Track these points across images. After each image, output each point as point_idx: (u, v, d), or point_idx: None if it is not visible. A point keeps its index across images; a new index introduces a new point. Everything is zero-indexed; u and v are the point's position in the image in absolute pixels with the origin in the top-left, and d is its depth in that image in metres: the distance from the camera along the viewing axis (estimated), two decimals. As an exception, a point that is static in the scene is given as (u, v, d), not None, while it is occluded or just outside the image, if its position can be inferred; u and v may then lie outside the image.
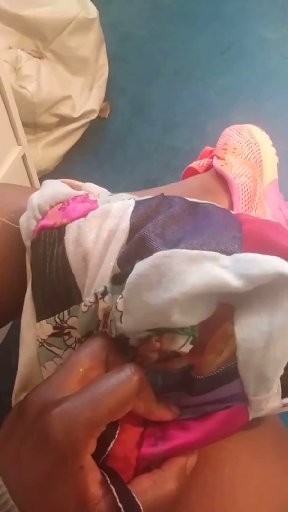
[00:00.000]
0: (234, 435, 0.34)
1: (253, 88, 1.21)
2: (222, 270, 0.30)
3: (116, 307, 0.32)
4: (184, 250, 0.31)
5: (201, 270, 0.30)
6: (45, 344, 0.38)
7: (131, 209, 0.37)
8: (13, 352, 0.83)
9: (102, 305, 0.34)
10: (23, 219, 0.40)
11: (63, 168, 1.13)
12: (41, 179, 1.02)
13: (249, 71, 1.25)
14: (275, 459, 0.38)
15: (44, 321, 0.38)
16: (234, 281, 0.29)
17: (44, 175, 1.09)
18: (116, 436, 0.31)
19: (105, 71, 1.21)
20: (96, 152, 1.16)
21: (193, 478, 0.33)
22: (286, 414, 0.37)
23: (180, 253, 0.31)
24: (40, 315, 0.38)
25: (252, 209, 0.55)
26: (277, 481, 0.36)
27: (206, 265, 0.30)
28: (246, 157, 0.60)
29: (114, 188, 0.44)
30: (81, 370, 0.31)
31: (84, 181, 0.45)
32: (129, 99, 1.23)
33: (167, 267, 0.30)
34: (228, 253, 0.32)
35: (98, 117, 1.18)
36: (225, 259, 0.31)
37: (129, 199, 0.39)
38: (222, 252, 0.32)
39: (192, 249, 0.31)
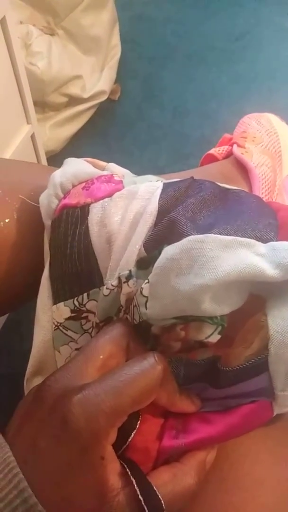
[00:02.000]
0: (254, 431, 0.33)
1: (267, 77, 1.19)
2: (258, 258, 0.29)
3: (141, 292, 0.31)
4: (218, 236, 0.30)
5: (235, 257, 0.29)
6: (61, 328, 0.37)
7: (159, 191, 0.35)
8: (18, 333, 0.82)
9: (125, 289, 0.33)
10: (43, 197, 0.39)
11: (71, 150, 1.11)
12: (48, 160, 1.00)
13: (263, 59, 1.22)
14: None
15: (61, 304, 0.36)
16: (270, 270, 0.28)
17: (51, 156, 1.07)
18: (137, 427, 0.30)
19: (117, 52, 1.19)
20: (104, 135, 1.14)
21: (211, 473, 0.32)
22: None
23: (214, 238, 0.29)
24: (58, 298, 0.37)
25: (272, 199, 0.54)
26: None
27: (241, 252, 0.29)
28: (266, 147, 0.58)
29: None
30: (101, 357, 0.30)
31: (92, 164, 0.44)
32: (140, 82, 1.21)
33: (199, 252, 0.29)
34: (264, 240, 0.30)
35: (108, 99, 1.15)
36: (261, 246, 0.29)
37: (156, 180, 0.38)
38: (258, 239, 0.30)
39: (226, 234, 0.30)
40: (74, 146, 1.11)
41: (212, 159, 0.59)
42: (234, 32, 1.28)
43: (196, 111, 1.16)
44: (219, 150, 0.59)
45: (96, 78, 1.13)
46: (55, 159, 1.07)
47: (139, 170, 1.09)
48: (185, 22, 1.31)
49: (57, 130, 1.08)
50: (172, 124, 1.14)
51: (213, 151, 0.59)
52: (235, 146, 0.57)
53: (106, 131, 1.14)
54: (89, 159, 0.42)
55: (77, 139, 1.12)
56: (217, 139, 0.67)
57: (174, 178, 0.41)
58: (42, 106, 1.05)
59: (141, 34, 1.29)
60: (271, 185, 0.54)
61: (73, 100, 1.09)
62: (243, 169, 0.55)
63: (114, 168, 0.41)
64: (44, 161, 0.93)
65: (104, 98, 1.14)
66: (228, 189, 0.37)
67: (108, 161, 0.45)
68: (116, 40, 1.19)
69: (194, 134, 1.11)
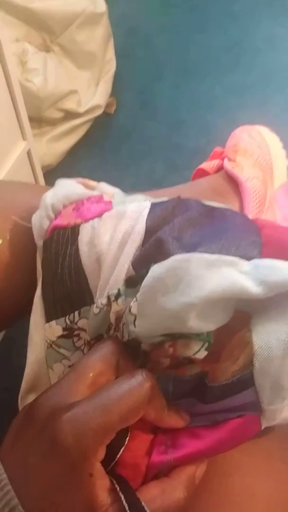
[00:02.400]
0: (244, 444, 0.33)
1: (261, 86, 1.20)
2: (241, 276, 0.29)
3: (129, 311, 0.32)
4: (203, 254, 0.30)
5: (220, 275, 0.29)
6: (53, 346, 0.37)
7: (146, 211, 0.36)
8: (13, 349, 0.83)
9: (115, 307, 0.34)
10: (35, 218, 0.40)
11: (68, 164, 1.12)
12: (45, 174, 1.01)
13: (257, 68, 1.24)
14: (284, 468, 0.37)
15: (53, 322, 0.37)
16: (253, 288, 0.29)
17: (48, 170, 1.08)
18: (126, 443, 0.31)
19: (112, 66, 1.20)
20: (101, 148, 1.15)
21: (201, 486, 0.33)
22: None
23: (199, 257, 0.30)
24: (50, 316, 0.37)
25: (263, 212, 0.54)
26: (285, 490, 0.36)
27: (225, 270, 0.30)
28: (256, 160, 0.59)
29: (119, 185, 0.43)
30: (91, 374, 0.30)
31: (88, 177, 0.44)
32: (136, 95, 1.22)
33: (184, 271, 0.30)
34: (248, 258, 0.31)
35: (104, 112, 1.17)
36: (244, 264, 0.30)
37: (144, 200, 0.38)
38: (242, 257, 0.31)
39: (211, 253, 0.31)
40: (71, 160, 1.13)
41: (204, 173, 0.60)
42: (228, 43, 1.29)
43: (191, 122, 1.17)
44: (210, 165, 0.60)
45: (92, 93, 1.14)
46: (53, 173, 1.08)
47: (135, 182, 1.10)
48: (178, 34, 1.33)
49: (54, 145, 1.10)
50: (167, 136, 1.15)
51: (204, 165, 0.60)
52: (225, 160, 0.58)
53: (103, 144, 1.16)
54: (80, 179, 0.43)
55: (74, 153, 1.14)
56: (212, 150, 0.67)
57: (165, 194, 0.42)
58: (39, 121, 1.07)
59: (136, 48, 1.30)
60: (262, 198, 0.55)
61: (69, 115, 1.10)
62: (234, 183, 0.56)
63: (104, 188, 0.42)
64: (40, 176, 0.94)
65: (100, 112, 1.15)
66: (214, 208, 0.37)
67: (105, 174, 0.45)
68: (110, 54, 1.20)
69: (189, 145, 1.13)
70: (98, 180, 0.44)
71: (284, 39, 1.28)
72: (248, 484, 0.35)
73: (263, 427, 0.32)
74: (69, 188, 0.40)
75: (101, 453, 0.28)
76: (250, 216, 0.53)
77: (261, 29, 1.31)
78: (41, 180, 0.96)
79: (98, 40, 1.13)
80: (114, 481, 0.29)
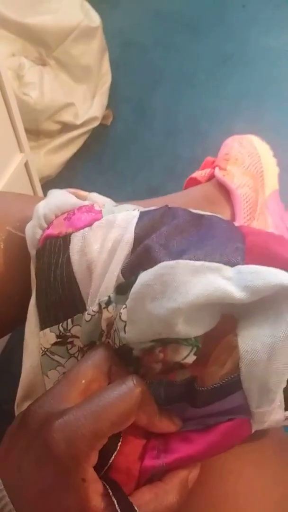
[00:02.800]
0: (237, 446, 0.34)
1: (256, 96, 1.22)
2: (225, 282, 0.30)
3: (120, 317, 0.33)
4: (188, 261, 0.31)
5: (204, 281, 0.30)
6: (48, 353, 0.38)
7: (135, 220, 0.37)
8: (14, 361, 0.84)
9: (105, 314, 0.34)
10: (28, 228, 0.40)
11: (66, 175, 1.13)
12: (43, 186, 1.02)
13: (251, 79, 1.25)
14: (278, 471, 0.38)
15: (47, 330, 0.38)
16: (237, 293, 0.29)
17: (47, 182, 1.09)
18: (118, 448, 0.31)
19: (108, 79, 1.22)
20: (98, 159, 1.16)
21: (196, 489, 0.33)
22: None
23: (184, 264, 0.31)
24: (44, 324, 0.38)
25: (254, 219, 0.55)
26: (279, 492, 0.36)
27: (210, 276, 0.30)
28: (247, 168, 0.60)
29: (117, 195, 0.44)
30: (83, 381, 0.31)
31: (86, 188, 0.45)
32: (132, 106, 1.24)
33: (171, 277, 0.31)
34: (232, 264, 0.32)
35: (100, 124, 1.18)
36: (228, 270, 0.31)
37: (133, 209, 0.39)
38: (226, 263, 0.32)
39: (196, 260, 0.32)
40: (69, 171, 1.14)
41: (196, 182, 0.61)
42: (222, 54, 1.31)
43: (187, 132, 1.18)
44: (201, 174, 0.61)
45: (88, 105, 1.16)
46: (51, 184, 1.10)
47: (133, 191, 1.12)
48: (173, 46, 1.34)
49: (52, 156, 1.11)
50: (164, 146, 1.17)
51: (196, 174, 0.61)
52: (216, 168, 0.59)
53: (100, 155, 1.17)
54: (71, 189, 0.43)
55: (72, 164, 1.15)
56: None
57: (157, 203, 0.42)
58: (37, 134, 1.08)
59: (131, 60, 1.32)
60: (253, 205, 0.56)
61: (67, 127, 1.12)
62: (225, 191, 0.56)
63: (96, 198, 0.43)
64: (38, 187, 0.95)
65: (96, 123, 1.17)
66: (202, 215, 0.38)
67: (103, 184, 0.46)
68: (106, 67, 1.22)
69: (186, 154, 1.14)
70: (96, 190, 0.45)
71: (278, 51, 1.30)
72: (242, 485, 0.35)
73: (253, 430, 0.33)
74: (61, 198, 0.41)
75: (94, 459, 0.28)
76: (242, 222, 0.54)
77: (255, 42, 1.33)
78: (39, 191, 0.97)
79: (93, 53, 1.14)
80: (107, 486, 0.29)
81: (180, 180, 1.10)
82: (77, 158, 1.16)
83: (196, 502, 0.34)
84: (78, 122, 1.12)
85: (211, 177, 0.59)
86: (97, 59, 1.17)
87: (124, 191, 1.07)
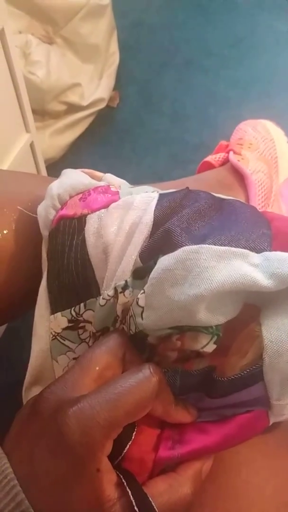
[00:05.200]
0: (251, 439, 0.33)
1: (265, 82, 1.19)
2: (252, 268, 0.29)
3: (137, 302, 0.31)
4: (212, 246, 0.30)
5: (230, 267, 0.29)
6: (58, 338, 0.37)
7: (154, 202, 0.36)
8: (13, 346, 0.83)
9: (121, 299, 0.33)
10: (41, 209, 0.39)
11: (70, 157, 1.11)
12: (47, 167, 1.00)
13: (261, 65, 1.23)
14: None
15: (59, 314, 0.37)
16: (264, 280, 0.28)
17: (51, 164, 1.07)
18: (133, 437, 0.30)
19: (115, 59, 1.20)
20: (103, 142, 1.14)
21: (208, 481, 0.32)
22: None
23: (208, 249, 0.30)
24: (55, 308, 0.37)
25: (269, 206, 0.54)
26: None
27: (235, 262, 0.29)
28: (262, 153, 0.59)
29: (121, 178, 0.43)
30: (97, 368, 0.30)
31: (91, 170, 0.44)
32: (139, 89, 1.21)
33: (194, 262, 0.29)
34: (258, 251, 0.31)
35: (107, 106, 1.16)
36: (255, 257, 0.30)
37: (152, 191, 0.38)
38: (252, 249, 0.30)
39: (220, 245, 0.30)
40: (74, 154, 1.12)
41: (209, 166, 0.60)
42: (232, 38, 1.29)
43: (194, 117, 1.16)
44: (215, 158, 0.59)
45: (95, 86, 1.13)
46: (55, 166, 1.08)
47: (138, 176, 1.10)
48: (183, 28, 1.32)
49: (57, 138, 1.09)
50: (171, 130, 1.15)
51: (209, 158, 0.60)
52: (231, 153, 0.57)
53: (105, 138, 1.15)
54: (86, 170, 0.42)
55: (77, 146, 1.13)
56: (215, 144, 0.67)
57: (171, 186, 0.41)
58: (42, 114, 1.06)
59: (139, 41, 1.29)
60: (267, 191, 0.55)
61: (72, 108, 1.09)
62: (239, 176, 0.55)
63: (111, 179, 0.42)
64: (43, 168, 0.94)
65: (103, 105, 1.15)
66: (223, 199, 0.37)
67: (107, 168, 0.45)
68: (114, 47, 1.20)
69: (193, 140, 1.12)
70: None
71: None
72: (255, 479, 0.35)
73: (271, 423, 0.32)
74: (75, 178, 0.40)
75: (108, 448, 0.27)
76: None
77: (265, 26, 1.30)
78: (44, 173, 0.95)
79: (101, 32, 1.12)
80: (121, 476, 0.28)
81: (185, 166, 1.09)
82: (82, 140, 1.14)
83: (208, 494, 0.34)
84: (84, 103, 1.10)
85: (225, 161, 0.58)
86: (105, 39, 1.14)
87: (128, 175, 1.04)
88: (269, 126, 0.63)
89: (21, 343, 0.84)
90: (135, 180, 0.46)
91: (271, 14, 1.32)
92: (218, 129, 1.10)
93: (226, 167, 0.57)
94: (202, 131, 1.13)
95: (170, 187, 0.41)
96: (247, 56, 1.25)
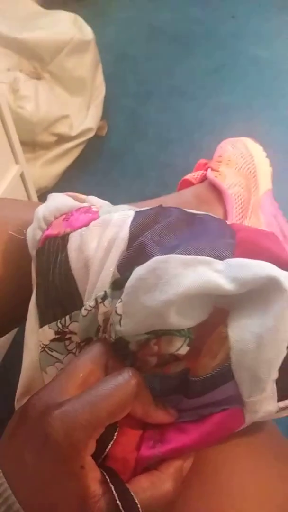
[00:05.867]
0: (233, 438, 0.35)
1: (247, 106, 1.24)
2: (215, 274, 0.31)
3: (115, 311, 0.34)
4: (179, 255, 0.33)
5: (195, 273, 0.31)
6: (46, 349, 0.39)
7: (130, 219, 0.38)
8: (12, 369, 0.84)
9: (102, 309, 0.35)
10: (29, 230, 0.42)
11: (62, 186, 1.14)
12: (39, 197, 1.03)
13: (242, 89, 1.28)
14: (272, 463, 0.38)
15: (46, 327, 0.39)
16: (226, 284, 0.31)
17: (43, 193, 1.11)
18: (114, 437, 0.32)
19: (102, 91, 1.24)
20: (93, 170, 1.18)
21: (192, 478, 0.34)
22: (284, 421, 0.37)
23: (176, 258, 0.32)
24: (43, 321, 0.39)
25: (247, 217, 0.56)
26: (273, 484, 0.37)
27: (200, 268, 0.32)
28: (240, 168, 0.61)
29: (112, 204, 0.46)
30: (81, 375, 0.32)
31: (82, 197, 0.47)
32: (126, 117, 1.26)
33: (163, 271, 0.32)
34: (222, 258, 0.33)
35: (95, 135, 1.20)
36: (218, 263, 0.32)
37: (129, 210, 0.41)
38: (216, 257, 0.33)
39: (187, 254, 0.33)
40: (65, 182, 1.16)
41: (189, 184, 0.62)
42: (213, 65, 1.34)
43: (180, 142, 1.20)
44: (194, 175, 0.62)
45: (83, 116, 1.18)
46: (47, 195, 1.11)
47: (128, 200, 1.12)
48: (165, 58, 1.37)
49: (48, 168, 1.13)
50: (157, 155, 1.18)
51: (188, 176, 0.62)
52: (209, 170, 0.60)
53: (95, 165, 1.19)
54: (70, 193, 0.45)
55: (68, 174, 1.16)
56: (200, 166, 0.70)
57: (151, 204, 0.44)
58: (33, 145, 1.10)
59: (125, 72, 1.35)
60: (245, 203, 0.57)
61: (62, 139, 1.14)
62: (217, 191, 0.58)
63: (93, 200, 0.44)
64: (34, 197, 0.96)
65: (91, 134, 1.19)
66: (194, 214, 0.40)
67: (98, 194, 0.48)
68: (100, 79, 1.25)
69: (179, 164, 1.16)
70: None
71: (267, 61, 1.32)
72: (238, 477, 0.36)
73: (246, 420, 0.34)
74: (60, 200, 0.43)
75: (91, 447, 0.29)
76: (234, 221, 0.55)
77: (245, 52, 1.35)
78: (35, 201, 0.98)
79: (87, 66, 1.17)
80: (105, 473, 0.30)
81: (173, 189, 1.11)
82: (73, 169, 1.18)
83: (191, 492, 0.35)
84: (73, 133, 1.14)
85: (204, 178, 0.60)
86: (91, 72, 1.19)
87: (119, 201, 1.07)
88: (248, 143, 0.66)
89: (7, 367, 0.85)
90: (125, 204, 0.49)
91: (251, 40, 1.38)
92: (203, 152, 1.12)
93: (204, 184, 0.60)
94: (187, 154, 1.17)
95: (151, 204, 0.43)
96: (228, 81, 1.30)
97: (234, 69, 1.32)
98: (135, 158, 1.19)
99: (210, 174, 0.59)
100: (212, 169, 0.60)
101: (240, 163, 0.62)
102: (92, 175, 1.17)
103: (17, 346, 0.88)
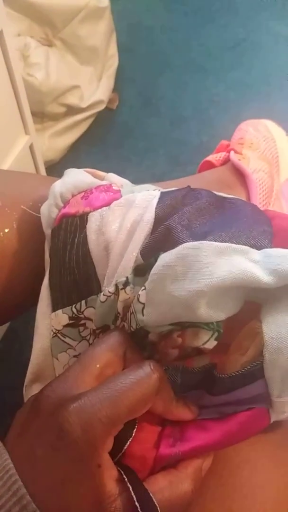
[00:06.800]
0: (254, 437, 0.33)
1: (264, 84, 1.20)
2: (252, 264, 0.29)
3: (138, 299, 0.32)
4: (213, 242, 0.30)
5: (230, 263, 0.29)
6: (59, 335, 0.37)
7: (156, 200, 0.36)
8: (14, 347, 0.83)
9: (122, 296, 0.33)
10: (44, 207, 0.39)
11: (70, 159, 1.11)
12: (47, 169, 1.01)
13: (260, 66, 1.24)
14: None
15: (60, 311, 0.37)
16: (264, 277, 0.28)
17: (50, 165, 1.08)
18: (133, 434, 0.30)
19: (114, 61, 1.20)
20: (103, 144, 1.14)
21: (211, 479, 0.33)
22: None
23: (208, 245, 0.30)
24: (56, 305, 0.37)
25: (270, 204, 0.54)
26: None
27: (236, 258, 0.29)
28: (263, 152, 0.59)
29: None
30: (97, 366, 0.30)
31: (90, 171, 0.44)
32: (138, 90, 1.22)
33: (194, 258, 0.29)
34: (258, 247, 0.31)
35: (106, 108, 1.16)
36: (255, 253, 0.30)
37: (154, 190, 0.38)
38: (252, 246, 0.31)
39: (221, 241, 0.30)
40: (73, 155, 1.12)
41: (210, 165, 0.60)
42: (230, 39, 1.29)
43: (193, 118, 1.16)
44: (216, 157, 0.60)
45: (94, 88, 1.14)
46: (55, 168, 1.08)
47: (137, 177, 1.10)
48: (182, 30, 1.32)
49: (56, 140, 1.09)
50: (169, 132, 1.15)
51: (210, 157, 0.60)
52: (232, 152, 0.58)
53: (105, 139, 1.15)
54: (89, 169, 0.42)
55: (76, 148, 1.13)
56: (215, 145, 0.67)
57: (172, 185, 0.41)
58: (41, 116, 1.06)
59: (138, 43, 1.30)
60: (268, 190, 0.55)
61: (72, 110, 1.10)
62: (240, 175, 0.55)
63: (113, 178, 0.42)
64: (43, 170, 0.94)
65: (102, 107, 1.15)
66: (225, 198, 0.37)
67: (107, 169, 0.45)
68: (113, 49, 1.20)
69: (192, 141, 1.12)
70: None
71: (287, 37, 1.28)
72: (257, 477, 0.35)
73: (272, 421, 0.32)
74: (78, 177, 0.40)
75: (109, 444, 0.27)
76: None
77: (264, 27, 1.31)
78: (43, 174, 0.95)
79: (100, 35, 1.12)
80: (122, 472, 0.28)
81: (185, 167, 1.09)
82: (81, 142, 1.14)
83: (211, 492, 0.34)
84: (84, 105, 1.10)
85: (226, 161, 0.58)
86: (104, 41, 1.14)
87: (128, 177, 1.04)
88: (270, 126, 0.64)
89: (20, 345, 0.84)
90: (135, 182, 0.46)
91: (269, 15, 1.33)
92: (217, 131, 1.10)
93: (227, 166, 0.57)
94: (201, 132, 1.13)
95: (172, 186, 0.41)
96: (246, 58, 1.26)
97: (254, 45, 1.27)
98: (146, 133, 1.15)
99: (233, 156, 0.56)
100: (235, 152, 0.57)
101: (263, 147, 0.59)
102: (101, 149, 1.14)
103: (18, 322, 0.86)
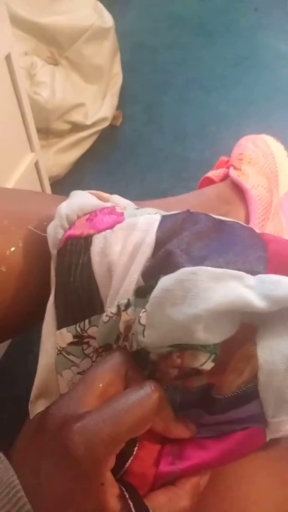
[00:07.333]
0: (251, 453, 0.34)
1: (265, 101, 1.22)
2: (247, 290, 0.30)
3: (139, 321, 0.33)
4: (210, 268, 0.31)
5: (226, 288, 0.30)
6: (63, 352, 0.38)
7: (157, 223, 0.37)
8: (16, 361, 0.84)
9: (124, 317, 0.34)
10: (50, 228, 0.41)
11: (74, 175, 1.13)
12: (52, 185, 1.02)
13: (261, 84, 1.25)
14: None
15: (64, 329, 0.38)
16: (258, 302, 0.30)
17: (55, 181, 1.09)
18: (134, 452, 0.31)
19: (118, 80, 1.22)
20: (107, 160, 1.16)
21: (209, 494, 0.33)
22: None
23: (206, 270, 0.31)
24: (61, 323, 0.38)
25: (269, 219, 0.55)
26: None
27: (231, 283, 0.31)
28: (262, 168, 0.60)
29: (124, 197, 0.45)
30: (100, 385, 0.31)
31: (94, 188, 0.46)
32: (142, 108, 1.24)
33: (192, 283, 0.31)
34: (254, 273, 0.32)
35: (110, 125, 1.18)
36: (250, 279, 0.31)
37: (155, 213, 0.40)
38: (248, 271, 0.32)
39: (218, 267, 0.32)
40: (78, 171, 1.14)
41: (210, 182, 0.61)
42: (233, 58, 1.31)
43: (196, 135, 1.18)
44: (216, 173, 0.61)
45: (98, 105, 1.16)
46: (59, 184, 1.10)
47: (141, 193, 1.12)
48: (184, 49, 1.35)
49: (61, 156, 1.11)
50: (173, 148, 1.17)
51: (210, 174, 0.61)
52: (231, 168, 0.59)
53: (109, 156, 1.17)
54: (93, 191, 0.44)
55: (81, 164, 1.15)
56: (217, 161, 0.68)
57: (173, 202, 0.43)
58: (46, 133, 1.08)
59: (142, 61, 1.32)
60: (267, 205, 0.56)
61: (76, 127, 1.12)
62: (239, 191, 0.57)
63: (117, 200, 0.43)
64: (47, 187, 0.95)
65: (106, 124, 1.17)
66: (223, 221, 0.38)
67: (110, 184, 0.46)
68: (117, 68, 1.22)
69: (194, 158, 1.14)
70: (105, 191, 0.45)
71: (288, 56, 1.30)
72: (253, 493, 0.35)
73: (268, 439, 0.33)
74: (83, 199, 0.41)
75: (111, 463, 0.28)
76: (256, 223, 0.54)
77: (265, 46, 1.33)
78: (48, 191, 0.97)
79: (105, 54, 1.14)
80: (123, 489, 0.29)
81: (188, 183, 1.11)
82: (86, 158, 1.16)
83: (209, 508, 0.34)
84: (88, 122, 1.12)
85: (226, 176, 0.59)
86: (109, 60, 1.17)
87: (132, 193, 1.07)
88: (269, 141, 0.65)
89: (24, 358, 0.85)
90: (138, 198, 0.48)
91: (273, 34, 1.35)
92: (219, 146, 1.12)
93: (226, 182, 0.59)
94: (203, 148, 1.15)
95: (172, 202, 0.42)
96: (248, 76, 1.28)
97: (255, 63, 1.30)
98: (149, 150, 1.17)
99: (232, 172, 0.57)
100: (235, 168, 0.59)
101: (262, 162, 0.61)
102: (105, 166, 1.15)
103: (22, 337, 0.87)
